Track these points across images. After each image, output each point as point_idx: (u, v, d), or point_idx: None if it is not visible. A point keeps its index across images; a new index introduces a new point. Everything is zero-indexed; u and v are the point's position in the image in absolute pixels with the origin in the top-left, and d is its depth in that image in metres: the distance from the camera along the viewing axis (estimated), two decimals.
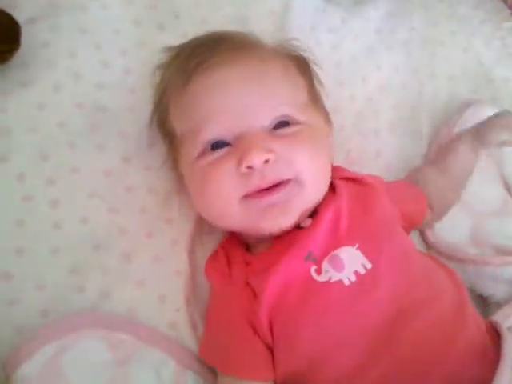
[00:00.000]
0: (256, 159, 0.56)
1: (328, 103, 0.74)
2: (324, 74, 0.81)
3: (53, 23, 0.73)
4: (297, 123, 0.61)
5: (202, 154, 0.61)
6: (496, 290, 0.73)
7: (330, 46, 0.87)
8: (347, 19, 0.90)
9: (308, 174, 0.59)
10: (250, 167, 0.57)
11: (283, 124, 0.61)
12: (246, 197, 0.58)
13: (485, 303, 0.75)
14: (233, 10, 0.84)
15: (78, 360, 0.56)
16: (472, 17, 0.97)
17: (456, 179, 0.77)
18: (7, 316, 0.59)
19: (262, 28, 0.80)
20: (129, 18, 0.78)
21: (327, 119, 0.71)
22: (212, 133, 0.60)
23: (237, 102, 0.59)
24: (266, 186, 0.58)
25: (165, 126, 0.68)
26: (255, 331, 0.59)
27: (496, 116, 0.76)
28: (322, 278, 0.57)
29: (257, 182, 0.57)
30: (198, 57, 0.61)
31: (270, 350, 0.59)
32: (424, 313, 0.55)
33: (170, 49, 0.69)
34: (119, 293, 0.64)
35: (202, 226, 0.72)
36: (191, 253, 0.70)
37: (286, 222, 0.59)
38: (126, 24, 0.77)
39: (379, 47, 0.90)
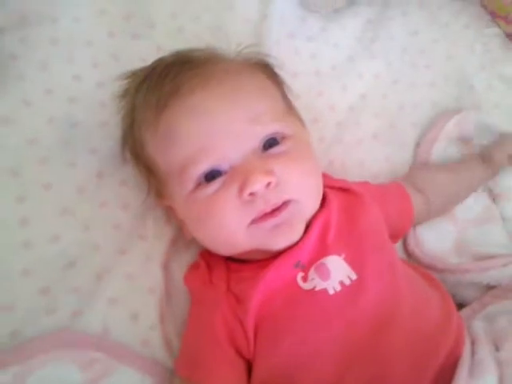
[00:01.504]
0: (258, 184, 0.55)
1: (308, 114, 0.73)
2: (303, 83, 0.81)
3: (23, 35, 0.71)
4: (285, 138, 0.61)
5: (197, 186, 0.59)
6: (476, 297, 0.72)
7: (309, 54, 0.85)
8: (327, 28, 0.89)
9: (306, 192, 0.60)
10: (252, 194, 0.56)
11: (272, 142, 0.60)
12: (252, 223, 0.58)
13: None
14: (209, 19, 0.83)
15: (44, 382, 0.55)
16: (453, 23, 0.96)
17: (463, 188, 0.78)
18: None
19: (239, 37, 0.79)
20: (102, 29, 0.76)
21: (302, 123, 0.70)
22: (205, 165, 0.58)
23: (221, 128, 0.58)
24: (269, 209, 0.57)
25: (142, 157, 0.65)
26: (232, 339, 0.58)
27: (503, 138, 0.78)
28: (307, 286, 0.58)
29: (261, 208, 0.57)
30: (170, 83, 0.60)
31: (245, 359, 0.58)
32: (407, 324, 0.55)
33: (132, 74, 0.67)
34: (91, 312, 0.63)
35: (178, 241, 0.70)
36: (166, 269, 0.69)
37: (294, 236, 0.59)
38: (98, 35, 0.76)
39: (359, 56, 0.89)
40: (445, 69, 0.91)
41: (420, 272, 0.66)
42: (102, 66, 0.74)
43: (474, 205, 0.80)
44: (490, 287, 0.72)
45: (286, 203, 0.58)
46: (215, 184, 0.58)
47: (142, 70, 0.66)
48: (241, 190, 0.56)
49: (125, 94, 0.67)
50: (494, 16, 0.94)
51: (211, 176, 0.58)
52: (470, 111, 0.86)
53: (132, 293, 0.66)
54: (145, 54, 0.71)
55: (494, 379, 0.50)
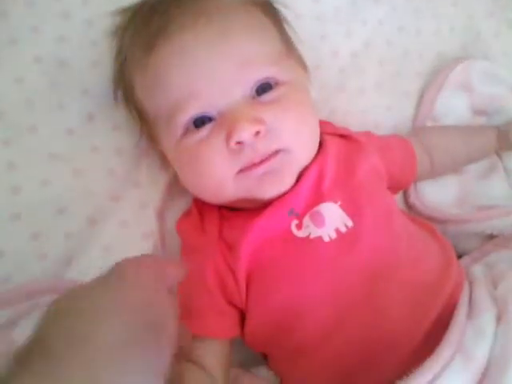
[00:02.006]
0: (245, 132, 0.52)
1: (309, 59, 0.69)
2: (305, 27, 0.76)
3: None
4: (279, 84, 0.57)
5: (186, 132, 0.57)
6: (474, 248, 0.71)
7: None
8: None
9: (299, 141, 0.57)
10: (239, 143, 0.53)
11: (265, 87, 0.56)
12: (239, 172, 0.55)
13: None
14: None
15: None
16: None
17: (474, 152, 0.76)
18: None
19: None
20: None
21: (304, 66, 0.67)
22: (193, 110, 0.55)
23: (210, 72, 0.54)
24: (258, 159, 0.54)
25: (132, 101, 0.62)
26: (223, 288, 0.57)
27: None
28: (301, 234, 0.56)
29: (249, 157, 0.54)
30: (158, 20, 0.56)
31: (237, 308, 0.58)
32: (405, 274, 0.54)
33: (122, 10, 0.63)
34: (83, 259, 0.61)
35: (172, 189, 0.68)
36: (160, 217, 0.67)
37: (284, 186, 0.57)
38: None
39: (364, 0, 0.84)
40: (451, 15, 0.87)
41: (419, 223, 0.64)
42: (92, 2, 0.70)
43: None
44: (491, 237, 0.71)
45: (276, 152, 0.55)
46: (203, 131, 0.56)
47: (132, 6, 0.62)
48: (227, 138, 0.54)
49: (115, 31, 0.63)
50: None
51: (200, 121, 0.56)
52: (476, 59, 0.82)
53: (126, 240, 0.64)
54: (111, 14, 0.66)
55: (491, 316, 0.49)
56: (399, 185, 0.70)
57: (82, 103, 0.66)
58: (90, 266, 0.60)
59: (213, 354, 0.56)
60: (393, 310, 0.52)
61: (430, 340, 0.49)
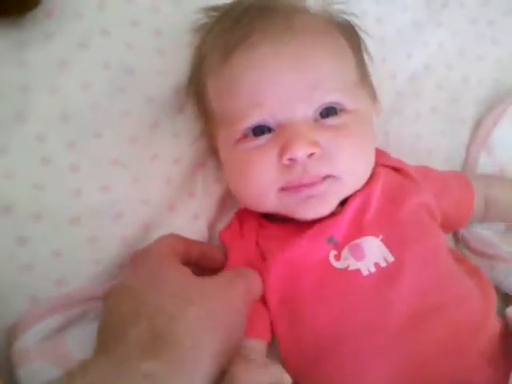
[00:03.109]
0: (299, 152, 0.53)
1: None
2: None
3: None
4: (345, 111, 0.58)
5: (243, 138, 0.58)
6: None
7: (375, 18, 0.80)
8: None
9: (351, 172, 0.57)
10: (291, 159, 0.54)
11: (330, 111, 0.57)
12: (284, 189, 0.56)
13: (508, 302, 0.70)
14: None
15: (85, 335, 0.54)
16: None
17: None
18: (21, 282, 0.57)
19: None
20: None
21: (374, 97, 0.67)
22: (256, 118, 0.56)
23: (283, 86, 0.55)
24: (306, 180, 0.55)
25: (201, 99, 0.64)
26: None
27: None
28: (340, 265, 0.56)
29: (298, 176, 0.55)
30: (242, 28, 0.57)
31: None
32: (444, 318, 0.53)
33: (212, 9, 0.64)
34: None
35: (225, 202, 0.69)
36: (211, 229, 0.68)
37: (324, 211, 0.57)
38: None
39: (428, 22, 0.83)
40: None
41: (465, 265, 0.63)
42: (162, 11, 0.70)
43: None
44: None
45: (325, 177, 0.56)
46: (261, 140, 0.57)
47: (221, 6, 0.64)
48: (282, 152, 0.54)
49: (200, 28, 0.65)
50: None
51: (260, 131, 0.57)
52: None
53: None
54: (209, 1, 0.66)
55: None
56: (452, 225, 0.69)
57: (146, 111, 0.67)
58: None
59: (258, 353, 0.56)
60: (434, 351, 0.51)
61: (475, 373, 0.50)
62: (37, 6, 0.63)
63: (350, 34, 0.64)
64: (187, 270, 0.51)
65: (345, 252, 0.56)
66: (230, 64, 0.57)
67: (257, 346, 0.56)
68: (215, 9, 0.64)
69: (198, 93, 0.64)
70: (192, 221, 0.67)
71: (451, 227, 0.69)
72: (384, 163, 0.65)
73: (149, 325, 0.43)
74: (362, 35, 0.67)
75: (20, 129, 0.61)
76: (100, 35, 0.67)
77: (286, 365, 0.53)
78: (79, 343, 0.54)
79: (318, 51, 0.57)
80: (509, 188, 0.74)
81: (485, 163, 0.78)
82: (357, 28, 0.66)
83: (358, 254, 0.56)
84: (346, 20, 0.65)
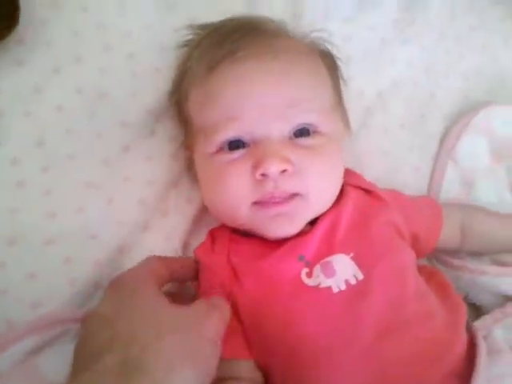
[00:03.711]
0: (272, 168, 0.55)
1: None
2: None
3: (52, 0, 0.69)
4: (318, 133, 0.60)
5: (219, 151, 0.60)
6: (490, 301, 0.72)
7: (342, 38, 0.82)
8: (363, 8, 0.86)
9: (318, 192, 0.59)
10: (264, 175, 0.56)
11: (304, 132, 0.59)
12: (256, 203, 0.58)
13: (478, 312, 0.74)
14: None
15: (59, 359, 0.55)
16: (492, 12, 0.93)
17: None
18: None
19: (273, 13, 0.76)
20: None
21: (347, 122, 0.70)
22: (232, 132, 0.59)
23: (260, 103, 0.58)
24: (277, 196, 0.57)
25: (182, 110, 0.67)
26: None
27: None
28: (311, 282, 0.57)
29: (269, 191, 0.57)
30: (230, 44, 0.59)
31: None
32: (409, 335, 0.55)
33: (200, 27, 0.68)
34: None
35: (199, 221, 0.71)
36: (186, 248, 0.70)
37: (291, 230, 0.59)
38: (131, 5, 0.73)
39: (395, 40, 0.86)
40: (479, 60, 0.90)
41: (435, 280, 0.64)
42: (134, 35, 0.72)
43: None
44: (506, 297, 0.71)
45: (293, 195, 0.58)
46: (235, 154, 0.59)
47: (210, 24, 0.67)
48: (255, 167, 0.57)
49: (186, 44, 0.69)
50: None
51: (235, 145, 0.59)
52: (498, 105, 0.84)
53: None
54: (178, 25, 0.69)
55: None
56: (423, 249, 0.70)
57: (118, 134, 0.69)
58: None
59: (246, 372, 0.57)
60: (399, 367, 0.53)
61: None
62: (9, 34, 0.65)
63: (329, 62, 0.67)
64: (162, 299, 0.51)
65: (316, 269, 0.58)
66: (213, 76, 0.60)
67: (243, 365, 0.57)
68: (203, 27, 0.67)
69: (180, 102, 0.67)
70: (165, 241, 0.68)
71: (422, 251, 0.70)
72: (355, 184, 0.67)
73: (122, 353, 0.43)
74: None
75: None
76: (72, 61, 0.69)
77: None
78: (54, 366, 0.55)
79: (298, 73, 0.60)
80: (484, 217, 0.76)
81: (452, 172, 0.82)
82: (334, 55, 0.69)
83: (329, 271, 0.57)
84: (325, 47, 0.68)
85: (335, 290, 0.56)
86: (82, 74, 0.69)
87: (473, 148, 0.83)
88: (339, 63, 0.71)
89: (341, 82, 0.70)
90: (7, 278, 0.60)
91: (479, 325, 0.65)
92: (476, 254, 0.75)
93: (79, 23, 0.70)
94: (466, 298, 0.72)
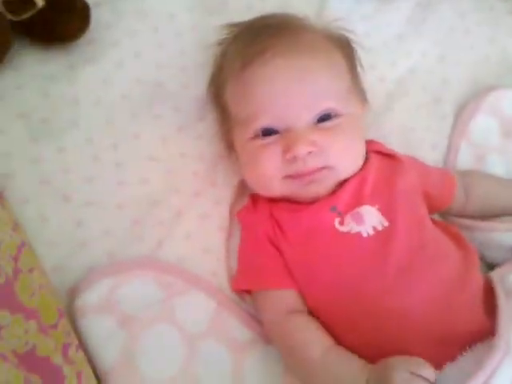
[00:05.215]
0: (301, 151, 0.65)
1: None
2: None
3: (114, 7, 0.84)
4: (338, 115, 0.69)
5: (254, 137, 0.70)
6: (504, 258, 0.76)
7: (364, 32, 0.93)
8: (380, 9, 0.97)
9: (343, 163, 0.69)
10: (294, 157, 0.66)
11: (326, 117, 0.69)
12: (287, 177, 0.69)
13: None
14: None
15: (131, 294, 0.66)
16: (499, 8, 1.04)
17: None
18: (79, 256, 0.70)
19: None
20: (183, 4, 0.88)
21: (364, 98, 0.80)
22: (264, 122, 0.69)
23: (291, 96, 0.67)
24: (306, 171, 0.67)
25: (219, 100, 0.77)
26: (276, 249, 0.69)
27: None
28: (343, 229, 0.67)
29: (299, 168, 0.67)
30: (261, 43, 0.69)
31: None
32: (431, 270, 0.64)
33: (233, 25, 0.78)
34: (170, 243, 0.74)
35: (243, 190, 0.81)
36: (231, 213, 0.79)
37: (323, 192, 0.70)
38: (180, 10, 0.87)
39: (410, 34, 0.97)
40: (487, 50, 1.00)
41: (447, 231, 0.73)
42: (185, 35, 0.86)
43: None
44: None
45: (321, 168, 0.68)
46: (268, 139, 0.69)
47: (243, 22, 0.77)
48: (285, 150, 0.66)
49: (222, 41, 0.79)
50: None
51: (268, 132, 0.69)
52: (506, 89, 0.94)
53: (204, 230, 0.77)
54: (219, 27, 0.81)
55: None
56: (434, 206, 0.78)
57: (173, 117, 0.81)
58: (176, 250, 0.74)
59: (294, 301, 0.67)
60: (417, 303, 0.62)
61: (455, 332, 0.60)
62: (82, 35, 0.78)
63: (345, 47, 0.77)
64: None
65: (347, 218, 0.68)
66: (246, 74, 0.70)
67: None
68: (236, 25, 0.78)
69: (217, 94, 0.78)
70: (215, 206, 0.79)
71: (433, 208, 0.77)
72: (377, 150, 0.77)
73: None
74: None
75: (73, 133, 0.75)
76: (133, 57, 0.82)
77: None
78: (128, 300, 0.66)
79: (319, 66, 0.70)
80: (485, 178, 0.86)
81: (465, 149, 0.91)
82: (351, 41, 0.79)
83: (358, 219, 0.67)
84: (343, 34, 0.78)
85: (364, 234, 0.66)
86: (141, 67, 0.82)
87: (484, 126, 0.92)
88: (361, 51, 0.81)
89: (358, 65, 0.80)
90: (86, 234, 0.71)
91: (493, 274, 0.72)
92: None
93: (137, 25, 0.84)
94: (481, 259, 0.77)
